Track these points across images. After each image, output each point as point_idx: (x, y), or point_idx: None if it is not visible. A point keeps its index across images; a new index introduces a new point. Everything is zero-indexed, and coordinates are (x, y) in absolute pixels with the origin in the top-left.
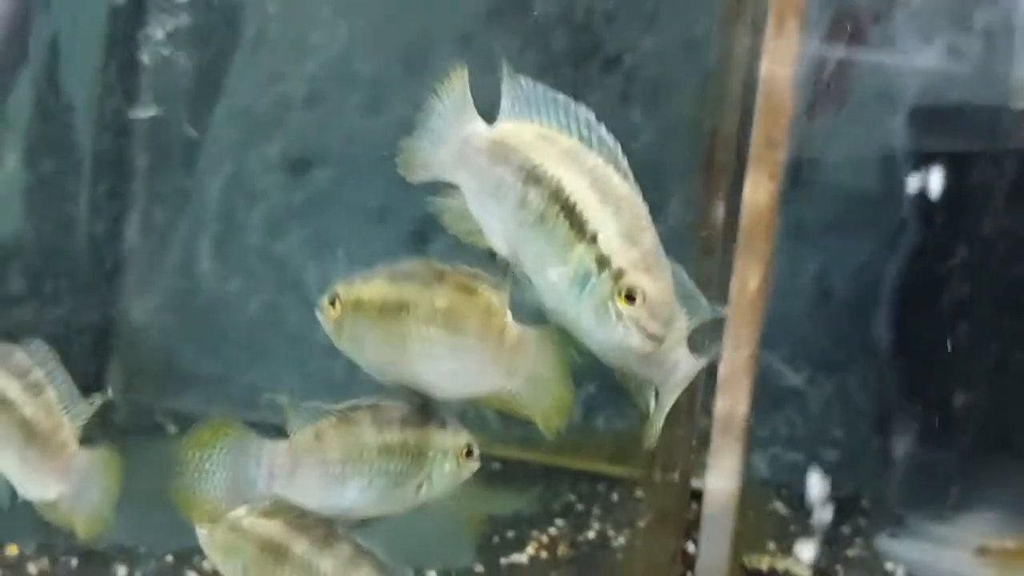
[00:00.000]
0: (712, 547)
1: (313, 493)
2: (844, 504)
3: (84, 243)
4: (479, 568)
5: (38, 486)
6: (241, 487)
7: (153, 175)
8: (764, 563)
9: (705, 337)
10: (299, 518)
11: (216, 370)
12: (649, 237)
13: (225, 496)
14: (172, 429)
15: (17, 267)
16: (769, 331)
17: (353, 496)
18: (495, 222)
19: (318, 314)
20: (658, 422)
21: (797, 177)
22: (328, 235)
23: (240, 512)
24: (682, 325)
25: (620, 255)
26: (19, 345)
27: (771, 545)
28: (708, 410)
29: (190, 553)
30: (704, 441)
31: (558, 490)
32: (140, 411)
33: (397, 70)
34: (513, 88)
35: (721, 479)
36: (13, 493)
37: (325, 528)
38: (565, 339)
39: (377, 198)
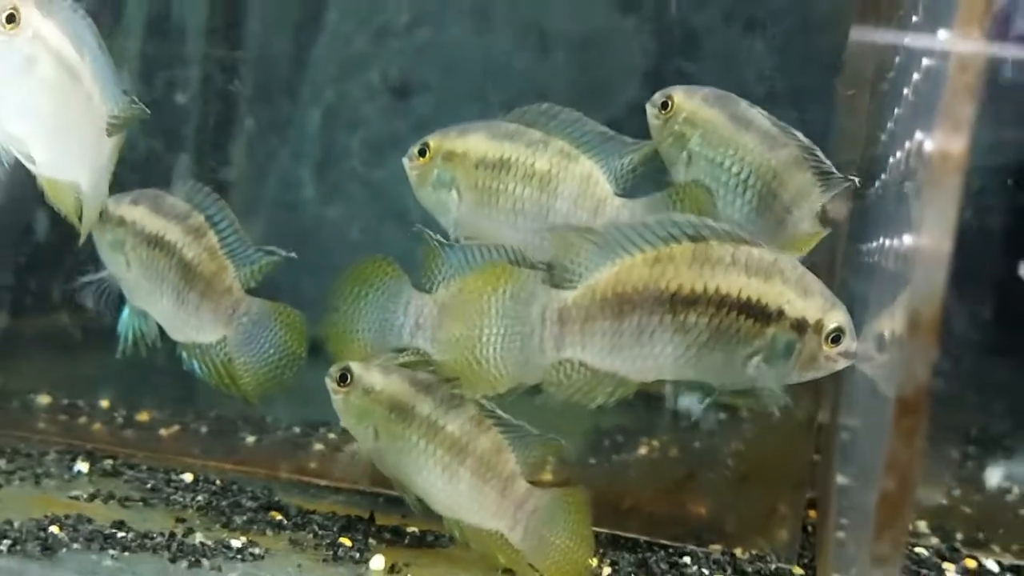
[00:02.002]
0: None
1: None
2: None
3: (191, 166)
4: (592, 461)
5: (195, 329)
6: (387, 333)
7: (257, 104)
8: None
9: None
10: (430, 374)
11: (318, 294)
12: (811, 277)
13: (372, 338)
14: None
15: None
16: None
17: None
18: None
19: (405, 162)
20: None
21: None
22: None
23: (380, 359)
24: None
25: (810, 311)
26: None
27: None
28: None
29: (316, 424)
30: None
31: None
32: None
33: None
34: None
35: None
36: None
37: (450, 390)
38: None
39: None
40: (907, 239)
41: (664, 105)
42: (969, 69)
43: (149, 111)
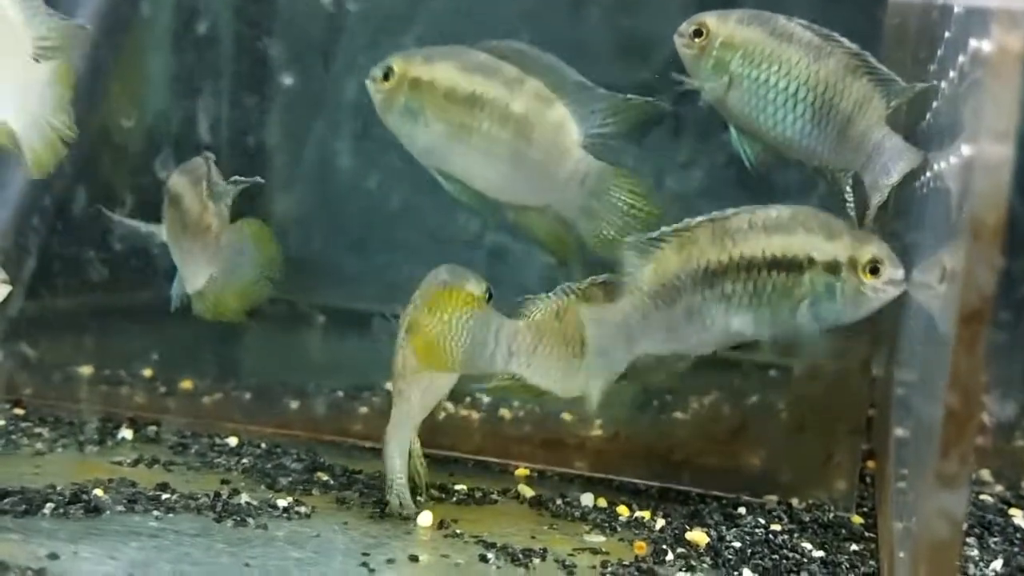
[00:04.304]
0: None
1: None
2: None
3: (226, 137)
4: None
5: (195, 276)
6: (478, 357)
7: (292, 74)
8: None
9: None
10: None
11: (356, 265)
12: (837, 221)
13: (463, 357)
14: (320, 319)
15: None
16: None
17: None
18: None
19: (368, 84)
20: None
21: None
22: None
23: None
24: (880, 106)
25: (840, 251)
26: None
27: None
28: None
29: (361, 388)
30: None
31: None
32: (286, 305)
33: None
34: None
35: None
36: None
37: None
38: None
39: None
40: (964, 148)
41: (697, 33)
42: None
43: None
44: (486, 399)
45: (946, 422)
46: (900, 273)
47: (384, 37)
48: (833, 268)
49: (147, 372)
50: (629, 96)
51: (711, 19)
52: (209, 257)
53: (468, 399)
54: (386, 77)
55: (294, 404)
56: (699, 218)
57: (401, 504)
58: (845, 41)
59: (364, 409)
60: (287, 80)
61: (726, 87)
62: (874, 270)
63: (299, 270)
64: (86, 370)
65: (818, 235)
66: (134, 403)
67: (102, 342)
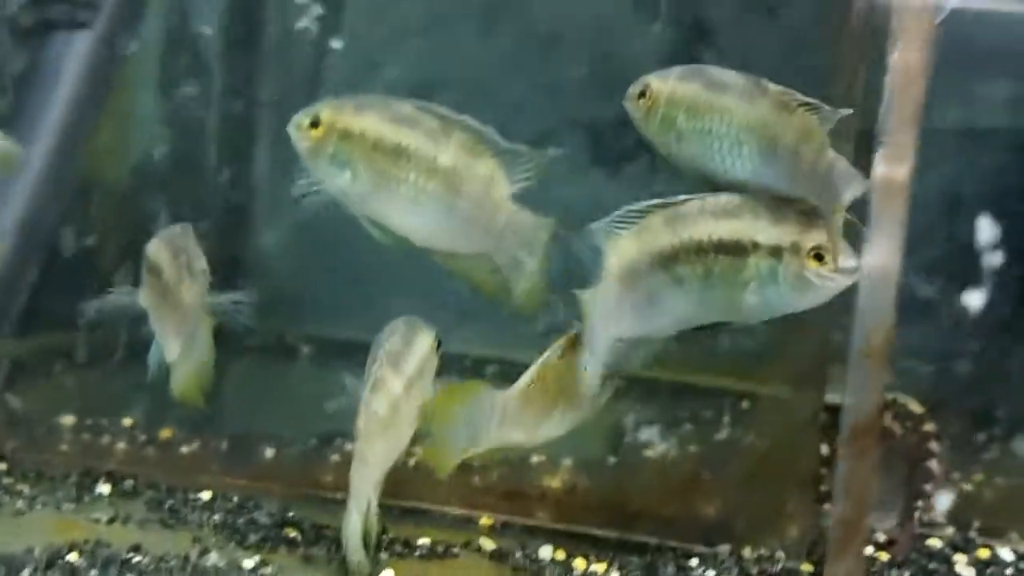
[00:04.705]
0: None
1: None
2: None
3: (215, 171)
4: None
5: (170, 347)
6: (475, 434)
7: (279, 104)
8: None
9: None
10: None
11: (344, 296)
12: (780, 203)
13: (463, 444)
14: (305, 351)
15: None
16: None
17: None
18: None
19: (291, 131)
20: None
21: None
22: None
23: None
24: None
25: (784, 236)
26: None
27: None
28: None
29: (332, 436)
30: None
31: (685, 403)
32: (273, 335)
33: None
34: None
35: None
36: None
37: None
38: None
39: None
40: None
41: (642, 94)
42: (911, 95)
43: None
44: None
45: (835, 528)
46: (851, 263)
47: (368, 75)
48: (775, 252)
49: (127, 422)
50: (550, 149)
51: (654, 80)
52: (182, 331)
53: None
54: (314, 125)
55: (269, 452)
56: (654, 201)
57: (359, 564)
58: (771, 84)
59: (335, 457)
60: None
61: (676, 141)
62: (818, 256)
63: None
64: (67, 420)
65: (765, 220)
66: (113, 454)
67: (83, 391)
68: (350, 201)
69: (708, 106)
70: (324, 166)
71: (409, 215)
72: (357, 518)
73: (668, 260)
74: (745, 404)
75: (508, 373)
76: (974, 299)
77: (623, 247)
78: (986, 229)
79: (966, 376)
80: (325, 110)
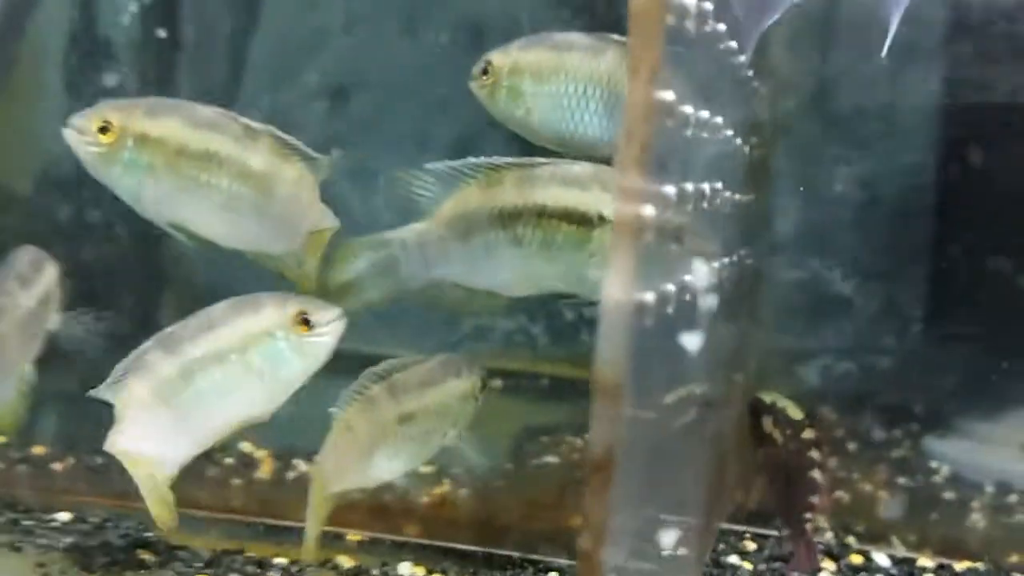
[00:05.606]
0: None
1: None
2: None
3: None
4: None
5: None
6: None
7: None
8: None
9: None
10: None
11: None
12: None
13: None
14: None
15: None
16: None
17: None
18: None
19: (71, 135)
20: None
21: None
22: (368, 163)
23: None
24: None
25: None
26: None
27: None
28: None
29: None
30: None
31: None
32: None
33: None
34: None
35: None
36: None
37: None
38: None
39: (415, 124)
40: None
41: (484, 72)
42: (636, 144)
43: None
44: None
45: (579, 561)
46: None
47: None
48: None
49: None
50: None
51: (495, 55)
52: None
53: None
54: (102, 131)
55: None
56: (510, 159)
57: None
58: (616, 36)
59: (211, 473)
60: None
61: (525, 112)
62: None
63: None
64: None
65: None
66: None
67: None
68: (145, 208)
69: (552, 68)
70: (117, 173)
71: (217, 220)
72: None
73: (509, 218)
74: None
75: None
76: None
77: (465, 195)
78: None
79: None
80: (113, 114)
